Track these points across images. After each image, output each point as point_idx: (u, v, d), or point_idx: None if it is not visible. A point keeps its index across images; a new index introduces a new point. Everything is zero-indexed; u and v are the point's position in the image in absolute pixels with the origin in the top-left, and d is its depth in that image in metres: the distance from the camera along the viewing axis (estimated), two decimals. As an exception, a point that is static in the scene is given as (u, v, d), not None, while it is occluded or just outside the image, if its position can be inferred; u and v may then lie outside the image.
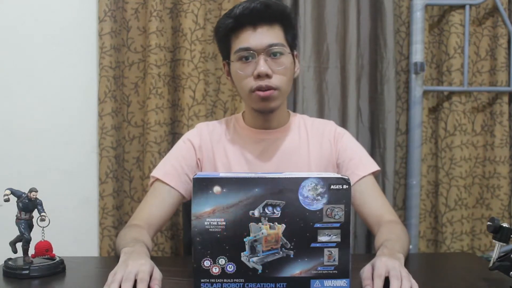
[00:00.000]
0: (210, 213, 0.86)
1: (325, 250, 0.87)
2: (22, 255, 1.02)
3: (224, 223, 0.86)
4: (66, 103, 1.83)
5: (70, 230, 1.80)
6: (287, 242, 0.87)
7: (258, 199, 0.86)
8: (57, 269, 1.04)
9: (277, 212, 0.86)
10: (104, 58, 1.79)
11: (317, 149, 1.30)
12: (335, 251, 0.87)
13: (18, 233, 1.02)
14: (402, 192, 1.96)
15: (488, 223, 0.97)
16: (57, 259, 1.05)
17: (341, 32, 1.90)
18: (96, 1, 1.81)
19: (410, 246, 1.46)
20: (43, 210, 1.00)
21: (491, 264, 0.96)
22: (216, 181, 0.86)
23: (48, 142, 1.82)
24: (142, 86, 1.86)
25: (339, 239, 0.87)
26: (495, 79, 1.96)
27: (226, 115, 1.86)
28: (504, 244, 0.96)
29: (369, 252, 1.95)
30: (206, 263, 0.87)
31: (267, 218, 0.86)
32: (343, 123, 1.88)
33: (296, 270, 0.87)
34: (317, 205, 0.86)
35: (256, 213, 0.86)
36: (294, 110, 1.86)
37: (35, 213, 1.01)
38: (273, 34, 1.20)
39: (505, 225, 0.96)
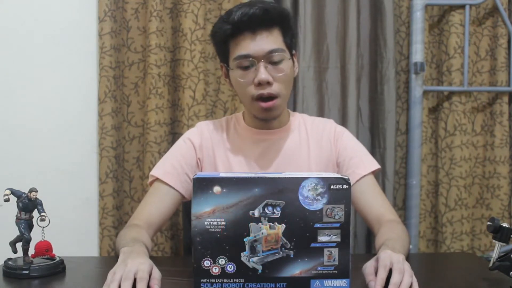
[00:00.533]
0: (210, 213, 0.86)
1: (325, 250, 0.87)
2: (22, 255, 1.02)
3: (224, 223, 0.86)
4: (66, 103, 1.83)
5: (70, 230, 1.80)
6: (287, 242, 0.87)
7: (258, 199, 0.86)
8: (57, 269, 1.04)
9: (277, 212, 0.86)
10: (104, 58, 1.79)
11: (317, 149, 1.30)
12: (335, 251, 0.87)
13: (18, 233, 1.02)
14: (402, 192, 1.96)
15: (488, 223, 0.97)
16: (57, 259, 1.05)
17: (341, 32, 1.90)
18: (96, 1, 1.81)
19: (410, 246, 1.46)
20: (43, 210, 1.00)
21: (491, 264, 0.96)
22: (216, 181, 0.86)
23: (48, 142, 1.82)
24: (142, 86, 1.86)
25: (339, 239, 0.87)
26: (495, 79, 1.96)
27: (226, 115, 1.86)
28: (504, 244, 0.96)
29: (369, 252, 1.95)
30: (206, 263, 0.87)
31: (267, 218, 0.86)
32: (343, 123, 1.88)
33: (296, 270, 0.87)
34: (317, 205, 0.86)
35: (256, 213, 0.86)
36: (294, 110, 1.86)
37: (35, 213, 1.01)
38: (272, 39, 1.18)
39: (505, 225, 0.96)
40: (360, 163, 1.28)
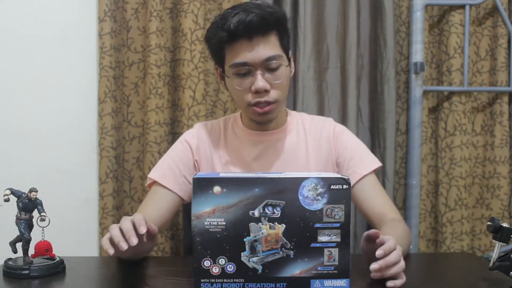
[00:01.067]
0: (210, 213, 0.86)
1: (325, 250, 0.87)
2: (22, 255, 1.02)
3: (224, 223, 0.86)
4: (66, 103, 1.83)
5: (70, 230, 1.80)
6: (287, 242, 0.87)
7: (258, 199, 0.85)
8: (57, 269, 1.03)
9: (277, 212, 0.86)
10: (104, 58, 1.79)
11: (316, 149, 1.29)
12: (335, 251, 0.87)
13: (18, 233, 1.01)
14: (402, 192, 1.96)
15: (488, 223, 0.97)
16: (57, 259, 1.05)
17: (341, 32, 1.90)
18: (96, 1, 1.81)
19: (411, 246, 1.46)
20: (43, 210, 1.00)
21: (491, 264, 0.96)
22: (216, 181, 0.85)
23: (48, 142, 1.82)
24: (142, 86, 1.86)
25: (339, 239, 0.87)
26: (495, 79, 1.96)
27: (226, 115, 1.86)
28: (504, 244, 0.96)
29: (369, 252, 1.94)
30: (206, 263, 0.87)
31: (267, 218, 0.86)
32: (343, 123, 1.87)
33: (296, 270, 0.87)
34: (317, 205, 0.86)
35: (256, 213, 0.86)
36: (294, 110, 1.86)
37: (35, 213, 1.01)
38: (269, 46, 1.15)
39: (505, 225, 0.96)
40: (360, 162, 1.28)
